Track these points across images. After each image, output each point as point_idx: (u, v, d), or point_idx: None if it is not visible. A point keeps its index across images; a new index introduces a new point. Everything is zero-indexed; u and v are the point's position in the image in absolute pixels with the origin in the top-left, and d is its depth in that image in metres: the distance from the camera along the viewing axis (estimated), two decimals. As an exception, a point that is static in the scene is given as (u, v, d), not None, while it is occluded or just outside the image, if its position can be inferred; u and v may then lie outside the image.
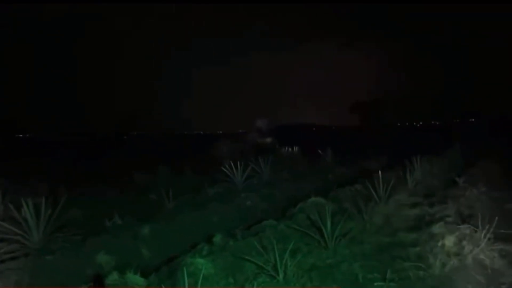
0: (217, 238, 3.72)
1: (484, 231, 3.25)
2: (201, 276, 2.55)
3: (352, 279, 2.92)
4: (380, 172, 5.26)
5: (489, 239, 3.26)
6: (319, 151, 10.63)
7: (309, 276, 2.94)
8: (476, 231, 3.37)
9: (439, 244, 3.37)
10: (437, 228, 3.76)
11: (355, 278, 2.94)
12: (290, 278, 2.93)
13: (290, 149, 12.71)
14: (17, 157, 14.68)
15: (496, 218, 3.32)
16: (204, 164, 11.04)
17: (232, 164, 6.97)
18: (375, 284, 2.83)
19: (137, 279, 2.77)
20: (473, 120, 40.67)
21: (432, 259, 3.08)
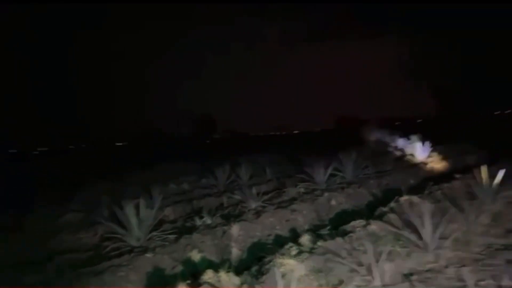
0: (305, 239, 3.64)
1: None
2: (296, 277, 2.50)
3: (461, 286, 2.61)
4: (483, 166, 4.67)
5: None
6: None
7: (409, 281, 2.70)
8: None
9: None
10: None
11: (463, 285, 2.62)
12: (388, 282, 2.72)
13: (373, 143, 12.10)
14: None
15: None
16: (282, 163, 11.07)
17: (312, 162, 6.83)
18: (490, 292, 2.50)
19: (230, 277, 2.82)
20: None
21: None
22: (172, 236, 4.41)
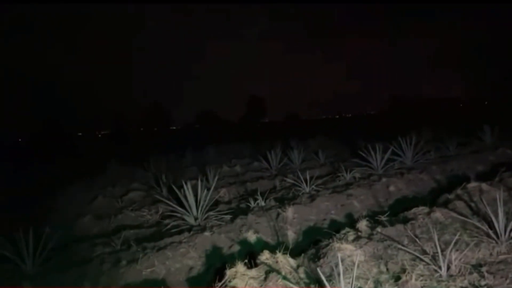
0: (362, 224, 3.53)
1: None
2: (356, 262, 2.44)
3: (540, 282, 2.38)
4: None
5: None
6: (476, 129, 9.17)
7: (479, 272, 2.52)
8: None
9: None
10: None
11: (543, 280, 2.39)
12: (454, 273, 2.56)
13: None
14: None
15: None
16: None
17: (369, 147, 6.59)
18: None
19: (287, 259, 2.83)
20: None
21: None
22: (227, 217, 4.53)
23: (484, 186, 4.13)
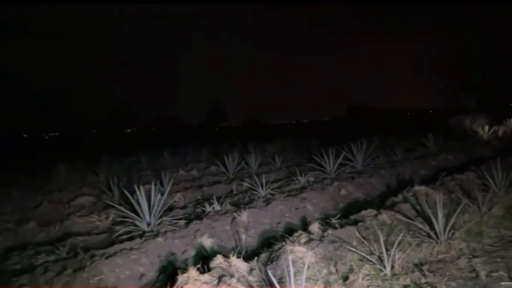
0: (315, 227, 3.63)
1: None
2: (306, 264, 2.50)
3: (473, 277, 2.59)
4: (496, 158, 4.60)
5: None
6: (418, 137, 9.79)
7: (420, 271, 2.69)
8: None
9: None
10: None
11: (476, 275, 2.60)
12: (398, 272, 2.71)
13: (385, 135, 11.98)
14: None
15: None
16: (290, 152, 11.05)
17: (323, 152, 6.80)
18: (502, 283, 2.47)
19: (241, 263, 2.83)
20: None
21: None
22: (182, 222, 4.45)
23: (427, 189, 4.42)
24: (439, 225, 3.21)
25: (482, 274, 2.59)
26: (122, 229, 4.38)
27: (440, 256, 2.98)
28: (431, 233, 3.25)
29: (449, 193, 4.36)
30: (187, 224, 4.26)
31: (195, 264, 2.72)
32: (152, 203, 4.43)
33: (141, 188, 4.47)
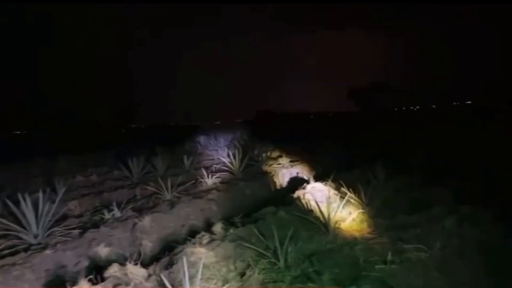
0: (218, 227, 3.70)
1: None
2: (201, 265, 2.54)
3: (353, 263, 2.92)
4: (379, 157, 5.25)
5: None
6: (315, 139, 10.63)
7: (310, 261, 2.94)
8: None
9: (439, 225, 3.38)
10: (436, 210, 3.77)
11: (356, 261, 2.94)
12: (291, 264, 2.92)
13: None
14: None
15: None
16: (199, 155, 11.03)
17: (230, 153, 6.95)
18: (376, 267, 2.83)
19: (138, 269, 2.75)
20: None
21: (432, 240, 3.08)
22: (76, 231, 4.12)
23: (320, 185, 4.83)
24: (327, 218, 3.54)
25: (361, 260, 2.93)
26: (4, 243, 3.88)
27: (328, 246, 3.30)
28: (321, 226, 3.57)
29: (339, 188, 4.83)
30: (81, 234, 3.96)
31: (87, 275, 2.56)
32: (40, 213, 4.02)
33: (27, 197, 4.02)
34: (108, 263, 3.13)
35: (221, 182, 6.37)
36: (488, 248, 3.09)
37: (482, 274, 2.81)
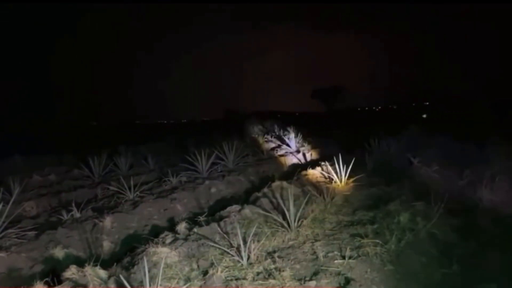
0: (182, 226, 3.68)
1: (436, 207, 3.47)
2: (162, 265, 2.52)
3: (313, 258, 3.00)
4: (340, 155, 5.40)
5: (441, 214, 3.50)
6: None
7: (272, 258, 2.99)
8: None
9: (395, 220, 3.55)
10: (393, 206, 3.95)
11: (316, 257, 3.02)
12: (253, 261, 2.96)
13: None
14: None
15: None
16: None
17: (196, 152, 6.89)
18: (335, 262, 2.93)
19: (97, 271, 2.68)
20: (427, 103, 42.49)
21: (389, 235, 3.23)
22: (32, 233, 3.95)
23: (284, 184, 4.91)
24: (290, 215, 3.62)
25: (321, 255, 3.02)
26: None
27: (290, 243, 3.37)
28: (284, 223, 3.64)
29: (302, 187, 4.94)
30: (38, 236, 3.80)
31: (42, 279, 2.47)
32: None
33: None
34: (66, 265, 3.03)
35: (186, 181, 6.31)
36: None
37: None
